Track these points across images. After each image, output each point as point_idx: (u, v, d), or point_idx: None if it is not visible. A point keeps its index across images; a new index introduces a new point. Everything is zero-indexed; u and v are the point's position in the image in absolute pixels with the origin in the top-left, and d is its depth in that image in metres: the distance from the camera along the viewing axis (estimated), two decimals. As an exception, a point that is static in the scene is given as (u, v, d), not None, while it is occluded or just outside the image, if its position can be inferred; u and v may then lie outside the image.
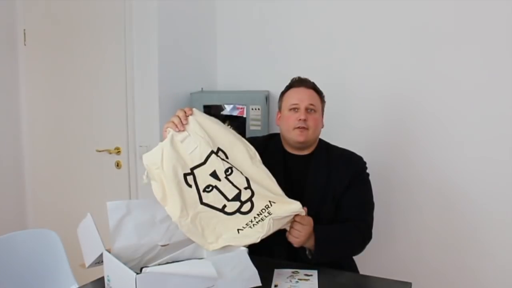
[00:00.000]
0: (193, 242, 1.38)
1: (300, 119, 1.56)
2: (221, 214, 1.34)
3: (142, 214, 1.30)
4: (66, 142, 2.60)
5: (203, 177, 1.34)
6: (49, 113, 2.64)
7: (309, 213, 1.43)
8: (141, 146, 2.31)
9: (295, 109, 1.59)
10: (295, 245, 1.42)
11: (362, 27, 2.26)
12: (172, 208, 1.30)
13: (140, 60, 2.29)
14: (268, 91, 2.42)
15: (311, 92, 1.62)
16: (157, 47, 2.22)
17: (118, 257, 1.19)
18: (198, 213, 1.32)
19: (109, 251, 1.23)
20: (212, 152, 1.35)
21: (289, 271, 1.41)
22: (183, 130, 1.36)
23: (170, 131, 1.35)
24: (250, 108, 2.33)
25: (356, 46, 2.28)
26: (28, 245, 1.66)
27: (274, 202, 1.36)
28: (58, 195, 2.66)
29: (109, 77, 2.41)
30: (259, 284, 1.25)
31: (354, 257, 1.70)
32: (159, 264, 1.29)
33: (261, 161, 1.42)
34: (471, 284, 2.16)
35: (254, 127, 2.31)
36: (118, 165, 2.42)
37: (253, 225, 1.33)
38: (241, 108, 2.33)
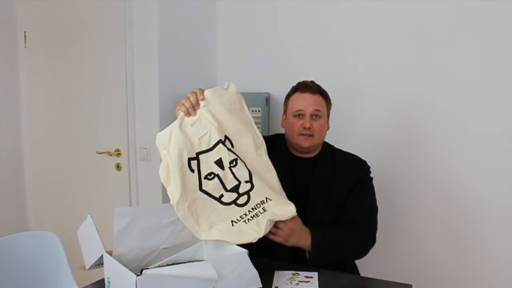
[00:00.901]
0: (193, 244, 1.38)
1: (304, 127, 1.56)
2: (217, 203, 1.34)
3: (149, 220, 1.29)
4: (66, 144, 2.60)
5: (207, 164, 1.34)
6: (50, 115, 2.65)
7: (313, 216, 1.43)
8: (145, 148, 2.31)
9: (300, 115, 1.59)
10: (278, 241, 1.40)
11: (366, 28, 2.26)
12: (173, 190, 1.30)
13: (140, 62, 2.29)
14: (268, 93, 2.43)
15: (316, 97, 1.61)
16: (157, 48, 2.23)
17: (119, 259, 1.19)
18: (196, 199, 1.32)
19: (110, 253, 1.22)
20: (220, 141, 1.34)
21: (289, 273, 1.41)
22: (194, 115, 1.35)
23: (181, 113, 1.35)
24: (251, 109, 2.32)
25: (360, 47, 2.28)
26: (28, 247, 1.66)
27: (270, 199, 1.36)
28: (59, 197, 2.66)
29: (110, 79, 2.41)
30: (260, 285, 1.25)
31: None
32: (159, 266, 1.29)
33: (266, 151, 1.42)
34: (472, 287, 2.16)
35: (255, 129, 2.31)
36: (118, 167, 2.42)
37: (248, 219, 1.33)
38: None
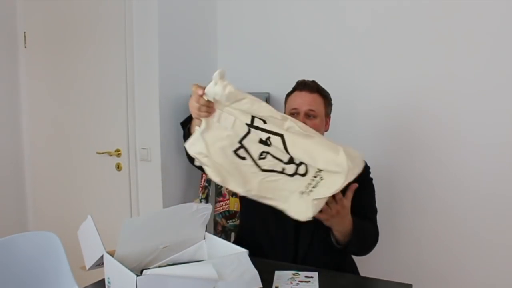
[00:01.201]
0: (193, 244, 1.38)
1: None
2: (283, 175, 1.31)
3: (154, 224, 1.28)
4: (66, 144, 2.61)
5: (255, 145, 1.30)
6: (50, 115, 2.65)
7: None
8: (145, 148, 2.32)
9: (294, 114, 1.58)
10: (319, 218, 1.36)
11: (368, 28, 2.26)
12: (235, 186, 1.29)
13: (140, 62, 2.29)
14: (268, 93, 2.43)
15: (313, 96, 1.59)
16: (158, 49, 2.23)
17: (119, 260, 1.19)
18: (263, 180, 1.30)
19: (110, 253, 1.22)
20: (247, 125, 1.29)
21: (289, 273, 1.41)
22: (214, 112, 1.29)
23: (203, 120, 1.29)
24: (251, 110, 2.33)
25: (361, 47, 2.28)
26: (28, 247, 1.66)
27: (321, 169, 1.31)
28: (59, 197, 2.66)
29: (110, 79, 2.41)
30: (260, 286, 1.25)
31: (355, 259, 1.70)
32: (159, 266, 1.29)
33: (293, 120, 1.32)
34: (471, 287, 2.16)
35: (255, 129, 2.31)
36: (118, 167, 2.42)
37: (311, 188, 1.30)
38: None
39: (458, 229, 2.17)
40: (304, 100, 1.58)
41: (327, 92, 1.65)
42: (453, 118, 2.13)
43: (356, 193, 1.56)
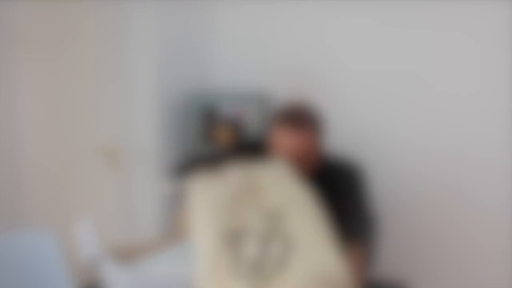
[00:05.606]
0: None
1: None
2: None
3: None
4: (62, 143, 2.59)
5: None
6: (45, 114, 2.63)
7: None
8: (141, 148, 2.31)
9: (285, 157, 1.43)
10: None
11: (361, 25, 2.26)
12: None
13: (136, 61, 2.29)
14: (265, 92, 2.42)
15: (302, 135, 1.43)
16: (154, 47, 2.22)
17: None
18: None
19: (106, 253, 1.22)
20: None
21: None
22: None
23: None
24: (248, 109, 2.33)
25: (359, 47, 2.27)
26: (23, 247, 1.66)
27: None
28: (54, 197, 2.65)
29: (106, 79, 2.40)
30: None
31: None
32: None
33: None
34: (468, 284, 2.17)
35: (251, 128, 2.31)
36: (115, 166, 2.41)
37: None
38: (238, 109, 2.33)
39: (455, 225, 2.17)
40: (292, 143, 1.42)
41: (316, 117, 1.50)
42: (453, 115, 2.14)
43: (341, 198, 1.43)
